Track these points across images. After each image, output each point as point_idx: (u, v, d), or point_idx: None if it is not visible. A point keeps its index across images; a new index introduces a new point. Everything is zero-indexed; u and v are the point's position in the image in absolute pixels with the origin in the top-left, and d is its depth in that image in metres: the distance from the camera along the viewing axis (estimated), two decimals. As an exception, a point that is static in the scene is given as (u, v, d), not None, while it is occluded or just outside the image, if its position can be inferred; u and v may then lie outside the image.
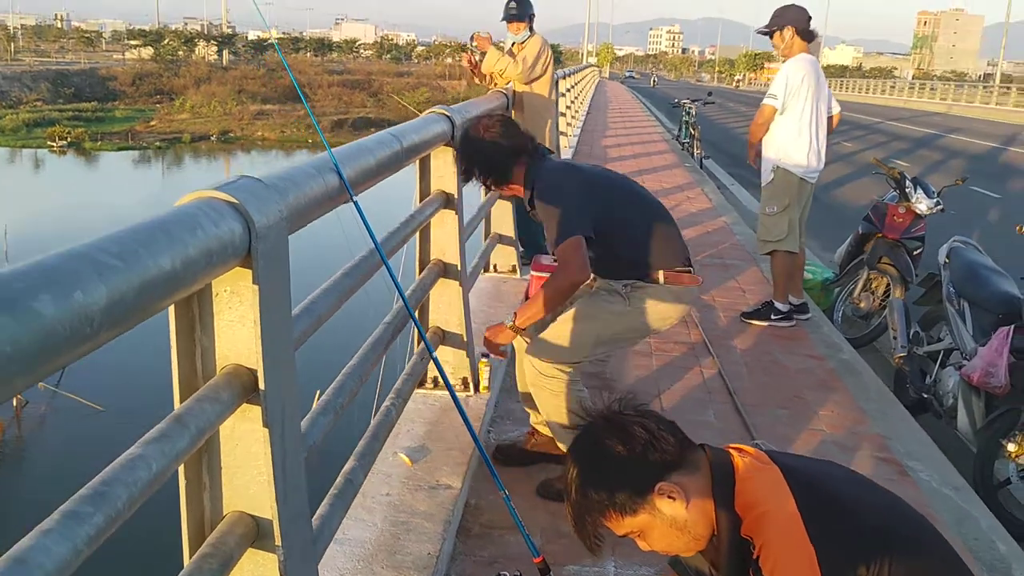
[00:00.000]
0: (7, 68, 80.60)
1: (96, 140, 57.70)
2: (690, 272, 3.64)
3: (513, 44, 7.32)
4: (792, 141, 6.17)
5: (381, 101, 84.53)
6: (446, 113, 4.15)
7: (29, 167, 50.49)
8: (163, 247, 1.47)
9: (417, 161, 3.90)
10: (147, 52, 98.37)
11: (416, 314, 3.72)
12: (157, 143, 59.82)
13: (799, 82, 6.09)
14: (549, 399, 3.70)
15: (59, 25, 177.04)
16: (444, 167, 4.20)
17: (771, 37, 6.15)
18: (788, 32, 6.07)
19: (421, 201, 4.09)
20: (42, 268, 1.20)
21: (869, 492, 2.03)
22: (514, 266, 6.90)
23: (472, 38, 7.52)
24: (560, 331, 3.68)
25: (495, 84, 7.33)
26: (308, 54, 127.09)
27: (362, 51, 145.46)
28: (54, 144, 55.19)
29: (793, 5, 6.08)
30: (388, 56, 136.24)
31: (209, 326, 1.87)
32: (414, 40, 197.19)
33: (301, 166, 2.28)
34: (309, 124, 69.77)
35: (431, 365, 4.22)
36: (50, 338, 1.13)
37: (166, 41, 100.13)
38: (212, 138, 63.73)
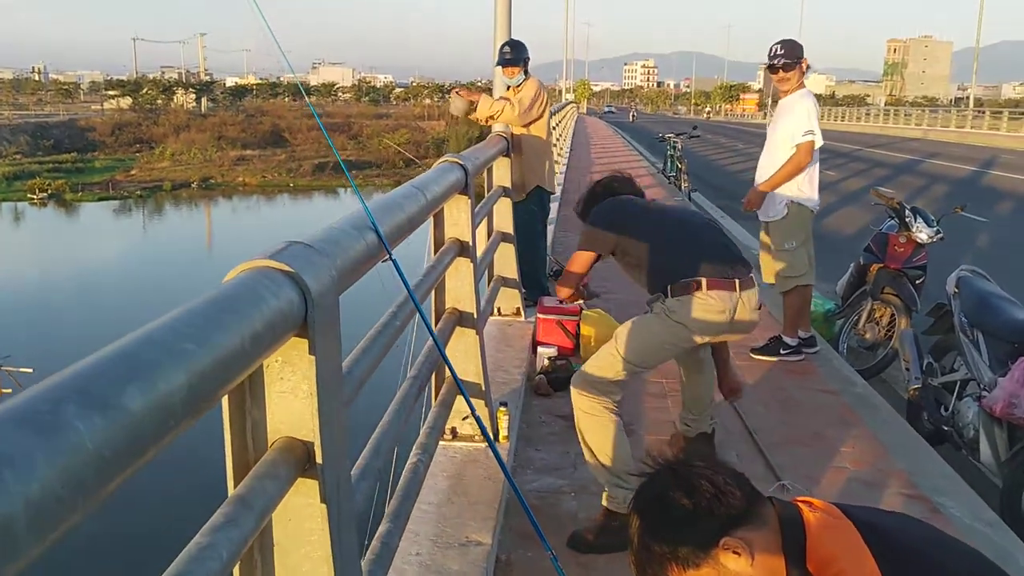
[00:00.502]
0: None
1: (77, 191, 57.47)
2: (732, 283, 3.82)
3: (509, 88, 7.32)
4: (805, 175, 6.17)
5: (361, 144, 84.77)
6: (459, 161, 4.11)
7: (9, 220, 50.22)
8: (232, 325, 1.41)
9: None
10: (125, 102, 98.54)
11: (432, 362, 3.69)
12: (138, 192, 59.64)
13: (816, 115, 6.11)
14: (593, 438, 3.82)
15: (37, 77, 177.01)
16: (459, 215, 4.15)
17: (784, 71, 6.10)
18: (804, 65, 6.09)
19: (436, 250, 4.04)
20: (124, 358, 1.13)
21: (950, 546, 1.96)
22: (518, 308, 6.84)
23: (451, 95, 7.46)
24: (596, 359, 3.98)
25: (500, 114, 7.31)
26: (286, 99, 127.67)
27: (340, 94, 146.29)
28: (34, 196, 54.91)
29: (792, 39, 6.10)
30: (367, 98, 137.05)
31: (260, 398, 1.79)
32: (392, 82, 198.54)
33: (341, 227, 2.23)
34: (289, 168, 69.86)
35: (449, 416, 4.15)
36: (138, 436, 1.06)
37: (144, 90, 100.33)
38: (193, 185, 63.63)
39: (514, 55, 7.14)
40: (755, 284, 3.91)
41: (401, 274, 2.50)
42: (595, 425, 3.83)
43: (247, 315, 1.47)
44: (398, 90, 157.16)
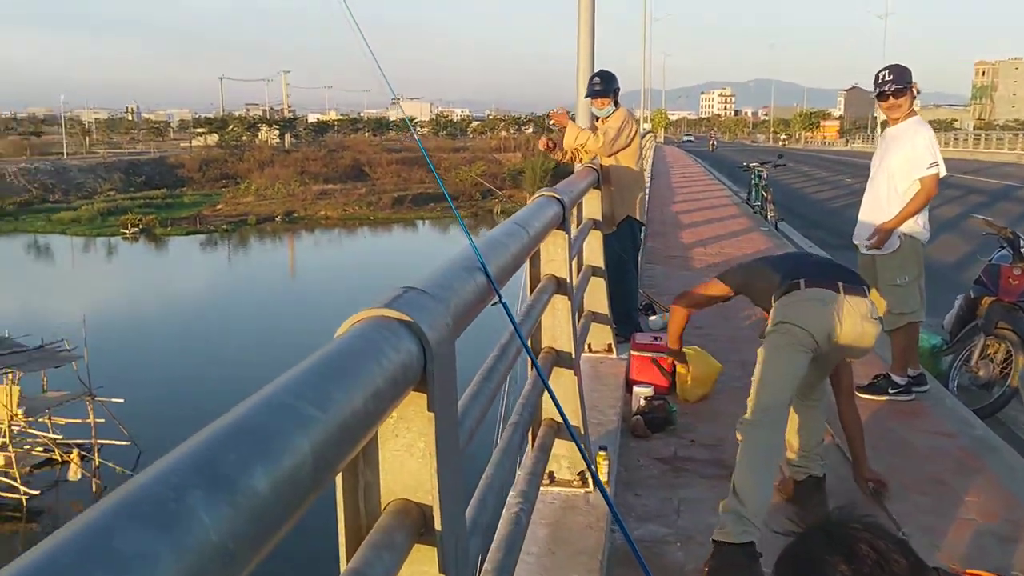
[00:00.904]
0: (83, 161, 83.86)
1: (166, 226, 59.44)
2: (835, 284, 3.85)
3: (597, 119, 7.21)
4: None
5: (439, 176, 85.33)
6: (556, 196, 3.98)
7: (103, 254, 52.14)
8: (354, 384, 1.28)
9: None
10: (212, 139, 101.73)
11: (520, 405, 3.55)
12: (224, 226, 61.38)
13: (936, 144, 5.82)
14: (739, 467, 3.76)
15: (130, 117, 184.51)
16: (556, 251, 4.01)
17: (894, 97, 5.77)
18: (914, 89, 5.79)
19: (532, 288, 3.90)
20: (248, 432, 1.00)
21: None
22: (610, 345, 6.65)
23: (549, 116, 7.42)
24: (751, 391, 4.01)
25: (580, 159, 7.20)
26: (367, 134, 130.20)
27: (419, 128, 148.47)
28: (127, 231, 56.97)
29: (900, 64, 5.80)
30: (444, 132, 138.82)
31: (373, 458, 1.66)
32: (468, 116, 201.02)
33: (451, 268, 2.10)
34: (370, 202, 71.06)
35: (548, 460, 3.98)
36: (265, 521, 0.93)
37: (230, 127, 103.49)
38: (277, 219, 65.20)
39: (604, 86, 7.02)
40: (865, 294, 3.87)
41: (511, 317, 2.37)
42: (749, 454, 3.78)
43: (368, 372, 1.34)
44: (475, 123, 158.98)
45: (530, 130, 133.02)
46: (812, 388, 4.18)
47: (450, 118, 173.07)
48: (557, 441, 4.22)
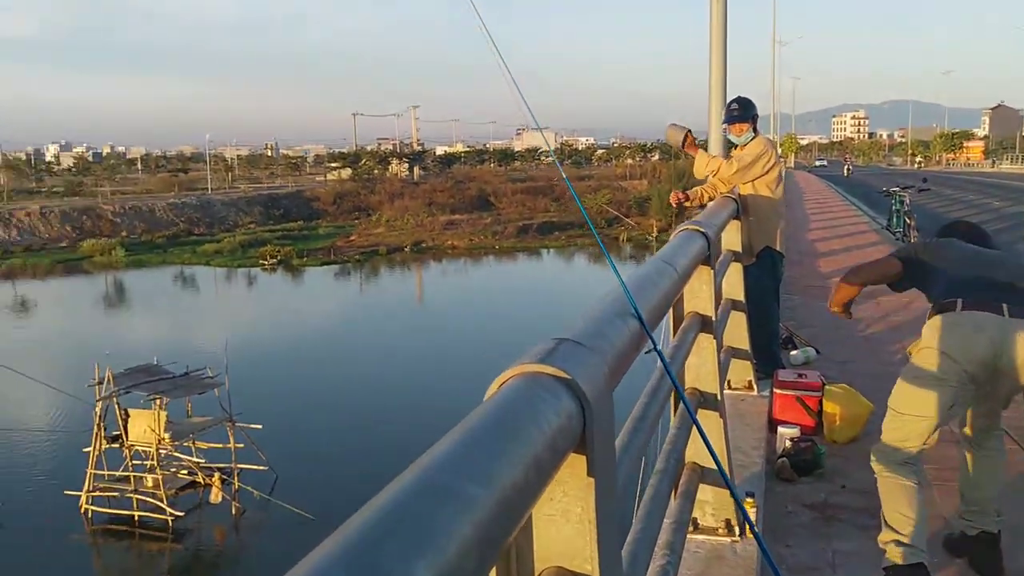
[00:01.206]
0: (226, 195, 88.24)
1: (302, 257, 61.73)
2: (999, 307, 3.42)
3: (735, 147, 6.96)
4: None
5: (563, 205, 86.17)
6: (700, 229, 3.80)
7: (244, 284, 54.51)
8: (515, 454, 1.16)
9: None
10: (346, 173, 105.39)
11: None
12: (356, 256, 63.28)
13: None
14: (886, 499, 3.62)
15: (269, 153, 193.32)
16: (701, 287, 3.83)
17: None
18: None
19: (676, 326, 3.72)
20: (408, 518, 0.89)
21: None
22: (750, 382, 6.36)
23: (685, 139, 7.10)
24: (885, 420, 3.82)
25: (717, 191, 6.96)
26: (493, 164, 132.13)
27: (543, 158, 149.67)
28: (266, 262, 59.45)
29: None
30: (569, 161, 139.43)
31: (526, 523, 1.54)
32: (593, 144, 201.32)
33: (603, 315, 1.96)
34: (495, 231, 71.95)
35: (693, 506, 3.77)
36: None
37: (363, 161, 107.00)
38: (406, 249, 66.75)
39: (743, 112, 6.77)
40: None
41: (665, 364, 2.21)
42: (888, 486, 3.62)
43: (528, 439, 1.22)
44: (599, 151, 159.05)
45: (656, 157, 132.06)
46: (988, 433, 3.80)
47: (574, 146, 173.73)
48: (704, 487, 4.02)
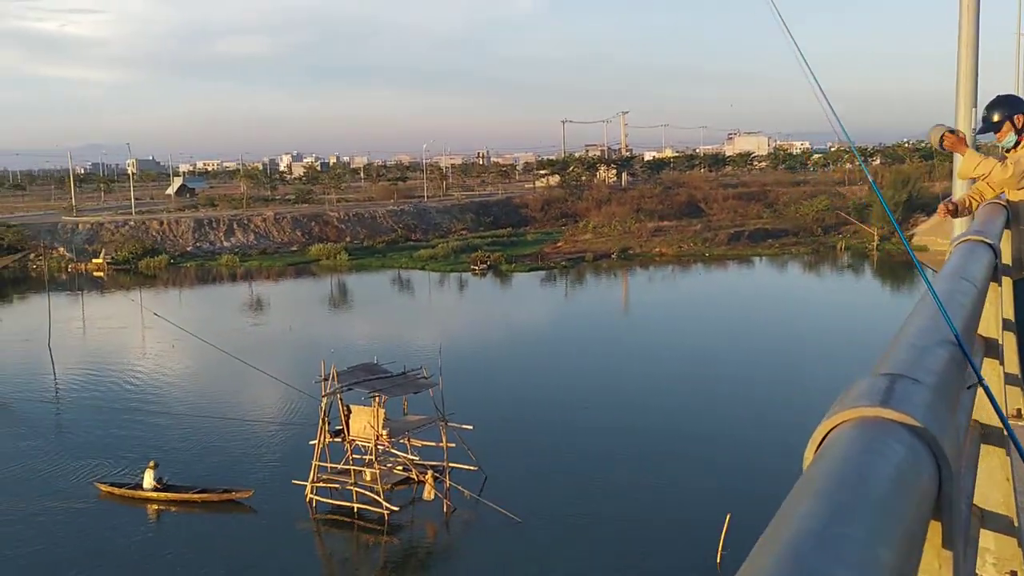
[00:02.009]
0: (440, 203, 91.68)
1: (511, 262, 62.97)
2: None
3: (1005, 150, 6.23)
4: None
5: (777, 212, 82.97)
6: (986, 240, 3.34)
7: (455, 289, 56.34)
8: (886, 531, 0.91)
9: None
10: (554, 179, 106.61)
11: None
12: (563, 262, 63.83)
13: None
14: None
15: (480, 161, 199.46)
16: (987, 306, 3.35)
17: None
18: None
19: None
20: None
21: None
22: (1019, 410, 5.65)
23: (941, 140, 6.42)
24: None
25: (983, 197, 6.25)
26: (703, 170, 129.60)
27: (756, 163, 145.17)
28: (476, 268, 61.17)
29: None
30: (783, 166, 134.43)
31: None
32: (808, 148, 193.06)
33: (922, 342, 1.65)
34: (705, 238, 70.38)
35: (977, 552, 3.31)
36: None
37: (571, 168, 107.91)
38: (612, 255, 66.59)
39: (1005, 112, 6.05)
40: None
41: (994, 401, 1.87)
42: None
43: (894, 507, 0.96)
44: (816, 156, 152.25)
45: (877, 161, 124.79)
46: None
47: (789, 151, 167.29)
48: (985, 532, 3.53)
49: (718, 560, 16.30)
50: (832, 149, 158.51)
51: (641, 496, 19.81)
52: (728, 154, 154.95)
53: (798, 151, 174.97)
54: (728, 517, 16.64)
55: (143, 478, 20.34)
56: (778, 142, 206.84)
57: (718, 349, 35.54)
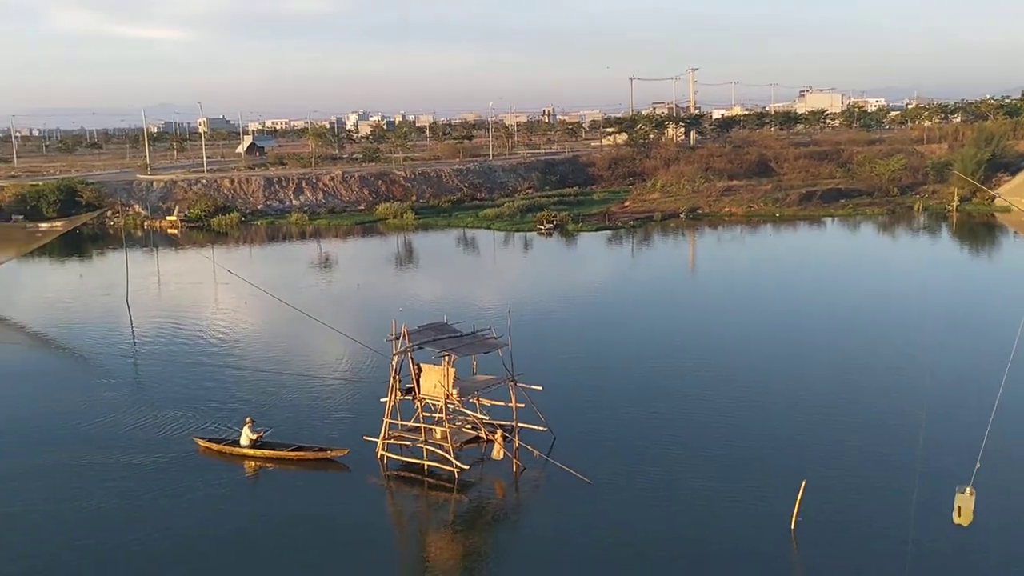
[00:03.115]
0: (505, 161, 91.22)
1: (577, 222, 62.37)
2: None
3: None
4: None
5: (851, 171, 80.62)
6: None
7: (520, 248, 56.09)
8: None
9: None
10: (621, 137, 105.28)
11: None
12: (630, 222, 63.01)
13: None
14: None
15: (546, 120, 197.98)
16: None
17: None
18: None
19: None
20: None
21: None
22: None
23: None
24: None
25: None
26: (774, 128, 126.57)
27: (829, 121, 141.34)
28: (542, 227, 60.73)
29: None
30: (858, 124, 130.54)
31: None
32: (885, 105, 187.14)
33: None
34: (776, 198, 68.77)
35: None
36: None
37: (639, 126, 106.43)
38: (681, 215, 65.46)
39: None
40: None
41: None
42: None
43: None
44: (893, 114, 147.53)
45: (958, 119, 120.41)
46: None
47: (864, 108, 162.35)
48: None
49: (792, 526, 16.05)
50: (910, 106, 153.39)
51: (712, 459, 19.60)
52: (800, 112, 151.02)
53: (873, 108, 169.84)
54: (803, 483, 16.34)
55: (240, 434, 20.74)
56: (852, 99, 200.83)
57: (789, 310, 34.87)
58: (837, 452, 20.02)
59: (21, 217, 64.10)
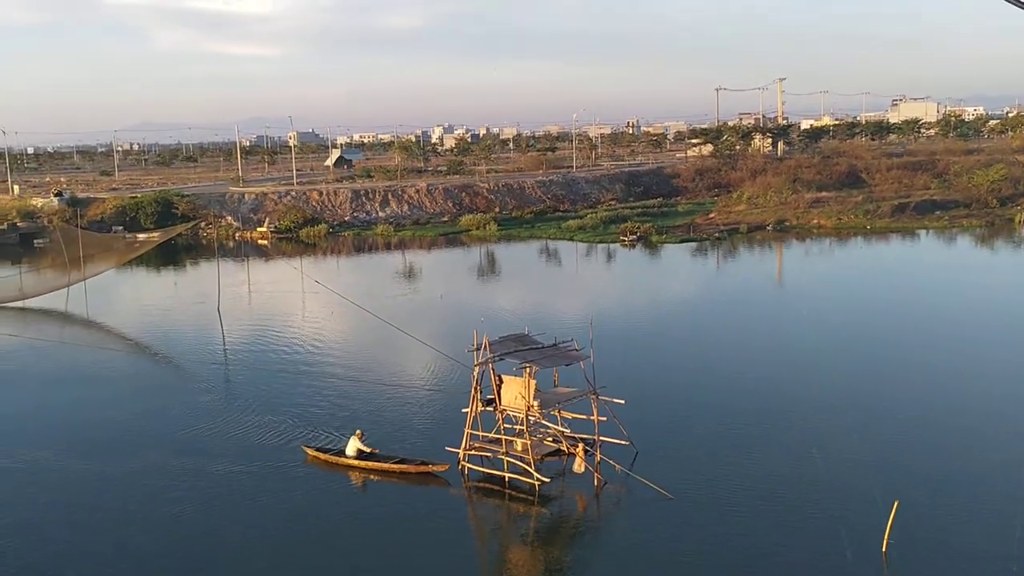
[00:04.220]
0: (589, 173, 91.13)
1: (661, 233, 61.71)
2: None
3: None
4: None
5: (947, 182, 77.88)
6: None
7: (603, 260, 55.80)
8: None
9: None
10: (707, 149, 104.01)
11: None
12: (715, 234, 62.02)
13: None
14: None
15: (630, 131, 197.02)
16: None
17: None
18: None
19: None
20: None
21: None
22: None
23: None
24: None
25: None
26: (864, 138, 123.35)
27: (923, 131, 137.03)
28: (625, 239, 60.32)
29: None
30: (954, 133, 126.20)
31: None
32: (983, 114, 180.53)
33: None
34: (867, 210, 66.78)
35: None
36: None
37: (724, 137, 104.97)
38: (768, 227, 64.11)
39: None
40: None
41: None
42: None
43: None
44: (992, 123, 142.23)
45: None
46: None
47: (961, 117, 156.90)
48: None
49: (883, 549, 15.48)
50: (1011, 115, 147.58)
51: (798, 478, 19.07)
52: (893, 121, 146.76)
53: (971, 117, 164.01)
54: (896, 504, 15.77)
55: (347, 444, 20.97)
56: (948, 108, 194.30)
57: (882, 325, 33.74)
58: (932, 474, 19.29)
59: (121, 228, 66.84)
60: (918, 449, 20.78)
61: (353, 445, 20.77)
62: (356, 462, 20.62)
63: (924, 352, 29.72)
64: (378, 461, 20.55)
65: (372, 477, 20.28)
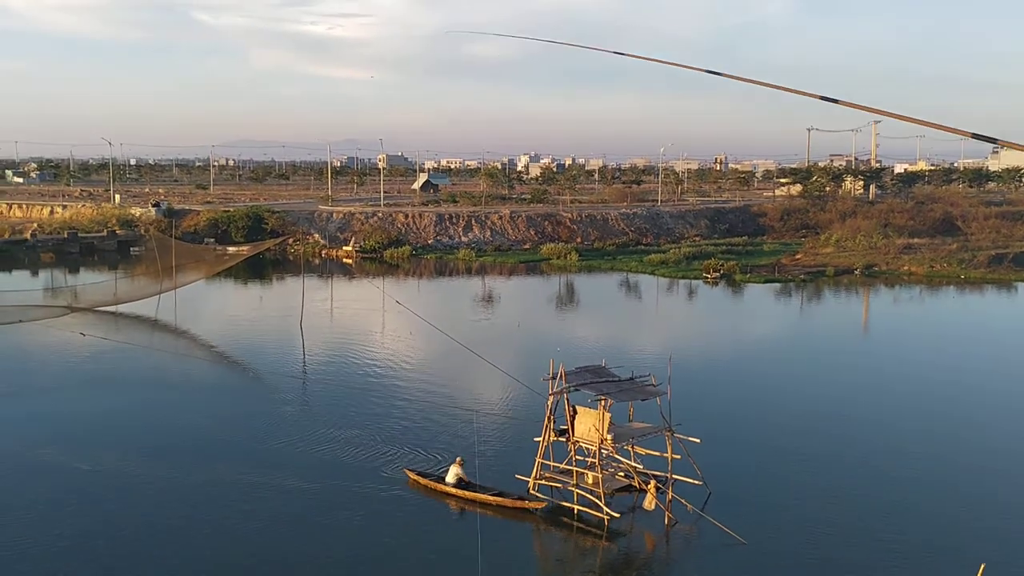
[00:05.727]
0: (674, 208, 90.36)
1: (745, 272, 60.71)
2: None
3: None
4: None
5: (1050, 234, 74.92)
6: None
7: (685, 296, 55.12)
8: None
9: None
10: (795, 189, 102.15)
11: None
12: (801, 276, 60.72)
13: None
14: None
15: (718, 168, 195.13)
16: None
17: None
18: None
19: None
20: None
21: None
22: None
23: None
24: None
25: None
26: (961, 185, 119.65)
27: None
28: (708, 276, 59.56)
29: None
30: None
31: None
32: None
33: None
34: (961, 259, 64.64)
35: None
36: None
37: (814, 178, 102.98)
38: (856, 271, 62.55)
39: None
40: None
41: None
42: None
43: None
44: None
45: None
46: None
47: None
48: None
49: (968, 613, 14.77)
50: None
51: (876, 534, 18.40)
52: (993, 169, 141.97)
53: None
54: (982, 568, 15.03)
55: (447, 471, 20.90)
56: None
57: (972, 383, 32.34)
58: (1018, 538, 18.39)
59: (213, 240, 68.96)
60: (1002, 514, 19.87)
61: (453, 472, 20.58)
62: (455, 491, 20.36)
63: (1015, 415, 28.50)
64: (475, 492, 20.23)
65: (467, 507, 19.90)
